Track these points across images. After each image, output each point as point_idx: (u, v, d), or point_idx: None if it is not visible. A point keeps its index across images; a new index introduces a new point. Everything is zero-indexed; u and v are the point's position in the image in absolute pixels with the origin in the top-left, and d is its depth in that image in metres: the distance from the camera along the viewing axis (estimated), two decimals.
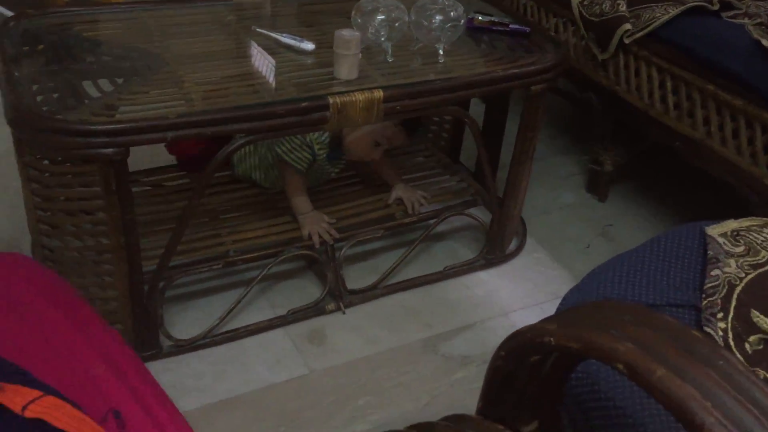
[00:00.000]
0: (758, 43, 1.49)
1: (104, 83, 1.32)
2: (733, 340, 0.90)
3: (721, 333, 0.91)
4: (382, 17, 1.44)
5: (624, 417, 0.84)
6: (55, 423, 0.61)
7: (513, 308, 1.66)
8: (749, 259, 1.01)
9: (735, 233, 1.07)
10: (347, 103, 1.31)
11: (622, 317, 0.65)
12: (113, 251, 1.29)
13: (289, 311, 1.56)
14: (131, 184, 1.27)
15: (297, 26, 1.61)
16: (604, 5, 1.81)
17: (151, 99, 1.27)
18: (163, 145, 1.68)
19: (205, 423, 1.32)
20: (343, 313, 1.59)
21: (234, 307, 1.52)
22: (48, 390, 0.65)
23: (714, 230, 1.08)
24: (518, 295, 1.71)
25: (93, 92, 1.29)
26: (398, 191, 1.74)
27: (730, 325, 0.92)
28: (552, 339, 0.65)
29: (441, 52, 1.49)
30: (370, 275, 1.67)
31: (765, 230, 1.08)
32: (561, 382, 0.77)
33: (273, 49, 1.46)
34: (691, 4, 1.67)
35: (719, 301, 0.95)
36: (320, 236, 1.58)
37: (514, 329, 0.71)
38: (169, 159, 1.76)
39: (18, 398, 0.62)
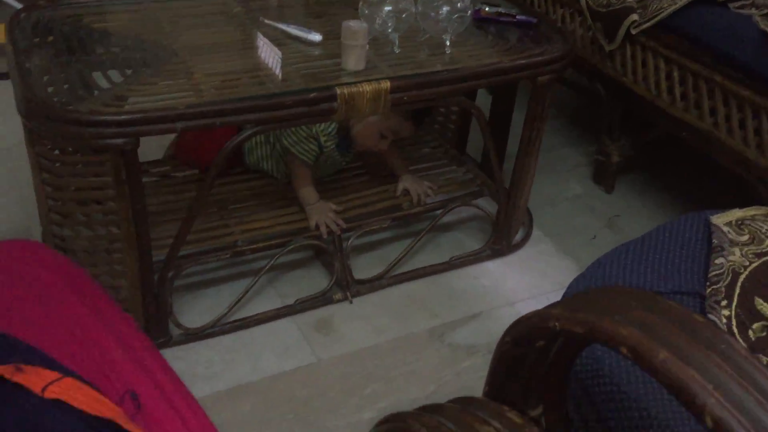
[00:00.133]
0: (765, 33, 1.49)
1: (114, 74, 1.34)
2: (737, 327, 0.91)
3: (724, 320, 0.92)
4: (389, 8, 1.44)
5: (628, 401, 0.86)
6: (74, 403, 0.63)
7: (519, 298, 1.67)
8: (753, 247, 1.02)
9: (740, 222, 1.07)
10: (355, 93, 1.32)
11: (627, 302, 0.65)
12: (124, 240, 1.30)
13: (296, 301, 1.57)
14: (141, 175, 1.28)
15: (304, 17, 1.62)
16: None
17: (160, 90, 1.28)
18: (180, 152, 1.70)
19: (215, 410, 1.33)
20: (351, 302, 1.61)
21: (242, 297, 1.53)
22: (67, 372, 0.67)
23: (719, 219, 1.08)
24: (524, 285, 1.72)
25: (103, 83, 1.31)
26: (405, 182, 1.75)
27: (733, 312, 0.93)
28: (557, 323, 0.66)
29: (448, 43, 1.49)
30: (377, 265, 1.69)
31: None
32: (566, 367, 0.78)
33: (280, 40, 1.47)
34: None
35: (723, 289, 0.96)
36: (327, 226, 1.59)
37: None
38: None
39: (38, 379, 0.64)
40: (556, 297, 1.60)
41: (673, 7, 1.68)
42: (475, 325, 1.59)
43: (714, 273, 0.98)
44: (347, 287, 1.61)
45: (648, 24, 1.73)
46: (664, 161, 2.19)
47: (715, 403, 0.54)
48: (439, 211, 1.73)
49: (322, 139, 1.60)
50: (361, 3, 1.46)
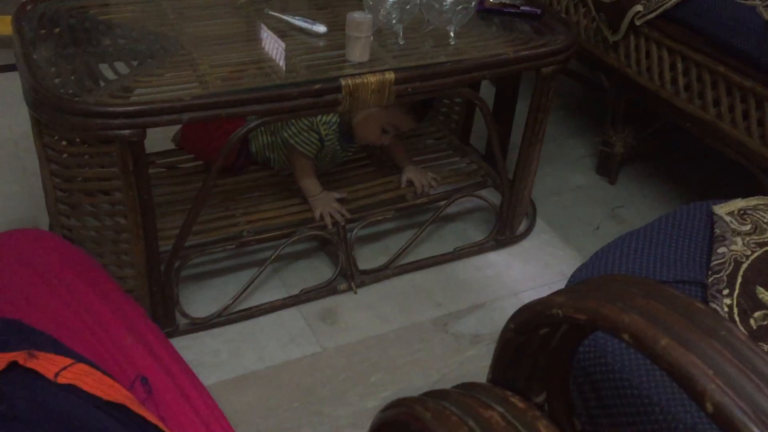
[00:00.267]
0: None
1: (120, 66, 1.35)
2: (739, 315, 0.92)
3: (726, 309, 0.93)
4: (394, 0, 1.45)
5: (630, 387, 0.87)
6: (86, 388, 0.64)
7: (522, 288, 1.68)
8: (755, 237, 1.03)
9: (742, 212, 1.08)
10: (359, 85, 1.32)
11: (629, 290, 0.66)
12: (130, 231, 1.32)
13: (301, 291, 1.59)
14: (148, 166, 1.29)
15: (309, 9, 1.63)
16: None
17: (166, 81, 1.29)
18: (185, 143, 1.71)
19: (222, 398, 1.34)
20: (355, 292, 1.62)
21: (248, 287, 1.55)
22: (79, 358, 0.68)
23: (721, 209, 1.09)
24: (528, 275, 1.73)
25: (109, 75, 1.32)
26: (409, 173, 1.76)
27: (735, 301, 0.94)
28: (560, 311, 0.66)
29: (452, 34, 1.50)
30: (382, 256, 1.70)
31: None
32: (569, 354, 0.79)
33: (285, 31, 1.48)
34: None
35: (725, 277, 0.96)
36: (332, 217, 1.60)
37: None
38: None
39: (51, 365, 0.65)
40: (560, 287, 1.60)
41: None
42: (479, 314, 1.60)
43: (716, 262, 0.99)
44: (352, 277, 1.62)
45: (652, 15, 1.74)
46: (668, 152, 2.19)
47: (716, 388, 0.55)
48: (442, 202, 1.74)
49: (323, 131, 1.60)
50: None
